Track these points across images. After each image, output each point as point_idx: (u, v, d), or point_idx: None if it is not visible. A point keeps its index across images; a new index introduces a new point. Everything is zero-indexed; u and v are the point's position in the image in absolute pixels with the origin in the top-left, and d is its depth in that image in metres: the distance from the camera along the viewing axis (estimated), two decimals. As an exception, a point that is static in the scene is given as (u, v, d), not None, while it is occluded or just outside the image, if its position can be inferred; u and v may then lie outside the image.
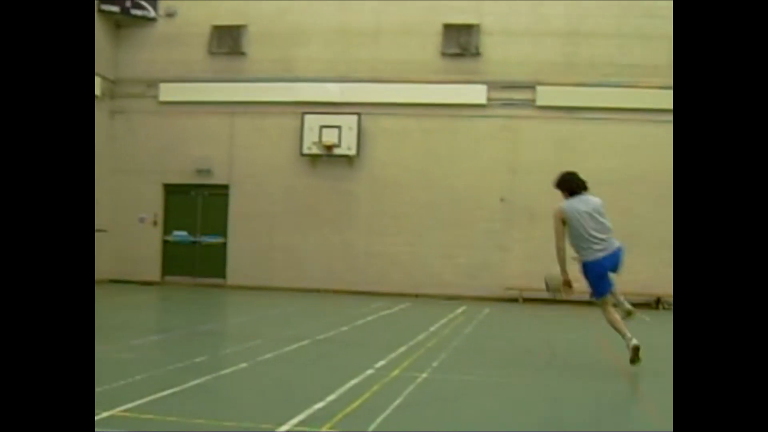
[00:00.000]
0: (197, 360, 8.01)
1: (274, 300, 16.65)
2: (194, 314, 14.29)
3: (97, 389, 6.09)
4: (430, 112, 19.12)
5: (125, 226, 20.15)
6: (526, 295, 17.99)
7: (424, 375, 7.49)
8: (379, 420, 5.48)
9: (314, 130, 19.19)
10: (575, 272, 8.71)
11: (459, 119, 19.05)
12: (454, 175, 19.01)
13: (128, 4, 20.00)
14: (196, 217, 20.28)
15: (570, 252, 8.73)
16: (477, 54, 18.96)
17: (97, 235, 19.77)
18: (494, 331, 12.81)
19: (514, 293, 18.03)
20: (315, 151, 19.25)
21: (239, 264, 19.84)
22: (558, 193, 9.10)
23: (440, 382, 7.31)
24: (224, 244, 20.03)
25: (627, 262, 8.72)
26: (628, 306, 8.80)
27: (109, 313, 13.58)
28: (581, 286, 8.80)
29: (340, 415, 5.57)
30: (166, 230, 20.42)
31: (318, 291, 18.98)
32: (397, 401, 6.15)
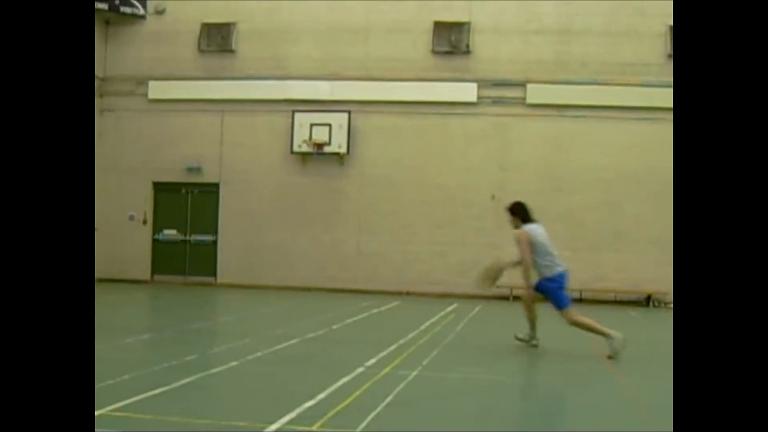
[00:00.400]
0: (187, 359, 7.98)
1: (265, 298, 16.62)
2: (184, 313, 14.24)
3: (85, 388, 6.07)
4: (421, 110, 19.11)
5: (115, 225, 20.06)
6: (517, 293, 18.00)
7: (415, 373, 7.48)
8: (369, 418, 5.46)
9: (305, 128, 19.15)
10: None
11: (450, 117, 19.04)
12: (445, 173, 19.00)
13: (117, 1, 19.92)
14: (186, 215, 20.22)
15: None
16: (467, 52, 18.96)
17: (86, 233, 19.74)
18: (485, 328, 12.81)
19: (504, 291, 18.02)
20: (305, 149, 19.21)
21: (229, 262, 19.79)
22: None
23: (431, 380, 7.30)
24: (214, 243, 19.98)
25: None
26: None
27: (99, 312, 13.49)
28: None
29: (330, 414, 5.55)
30: (156, 229, 20.35)
31: (308, 289, 18.96)
32: (388, 399, 6.13)
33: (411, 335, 10.54)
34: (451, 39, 19.04)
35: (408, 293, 18.44)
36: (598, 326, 9.22)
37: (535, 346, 9.74)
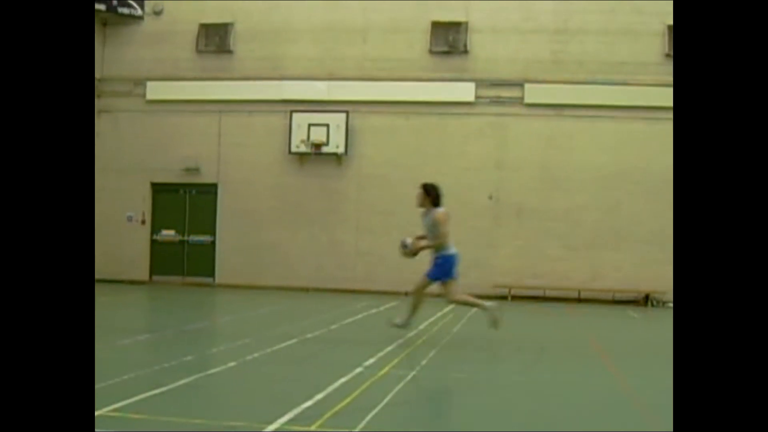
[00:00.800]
0: (186, 359, 7.98)
1: (263, 299, 16.62)
2: (182, 313, 14.25)
3: (84, 389, 6.07)
4: (419, 110, 19.12)
5: (113, 226, 20.04)
6: (515, 292, 18.02)
7: (413, 373, 7.49)
8: (368, 418, 5.46)
9: (302, 129, 19.16)
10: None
11: (447, 117, 19.06)
12: (443, 173, 18.94)
13: (115, 2, 19.91)
14: (185, 215, 20.22)
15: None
16: (465, 51, 18.97)
17: (84, 234, 19.74)
18: (483, 328, 12.79)
19: (502, 290, 18.03)
20: (303, 149, 19.21)
21: (228, 263, 19.79)
22: None
23: (429, 380, 7.31)
24: (213, 243, 19.98)
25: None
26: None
27: (98, 312, 13.47)
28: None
29: (328, 414, 5.55)
30: (154, 229, 20.35)
31: (307, 289, 18.96)
32: (386, 399, 6.14)
33: (409, 335, 10.55)
34: (448, 39, 19.04)
35: (406, 293, 18.43)
36: (473, 300, 10.51)
37: (403, 327, 10.43)
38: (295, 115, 19.23)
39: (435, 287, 10.67)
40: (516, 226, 18.52)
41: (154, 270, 20.33)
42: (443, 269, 10.47)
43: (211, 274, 19.97)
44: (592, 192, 18.37)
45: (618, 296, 18.18)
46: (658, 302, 17.62)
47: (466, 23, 19.00)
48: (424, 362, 8.23)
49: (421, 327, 11.63)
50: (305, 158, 19.45)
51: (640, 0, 18.09)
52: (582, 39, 18.53)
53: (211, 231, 20.03)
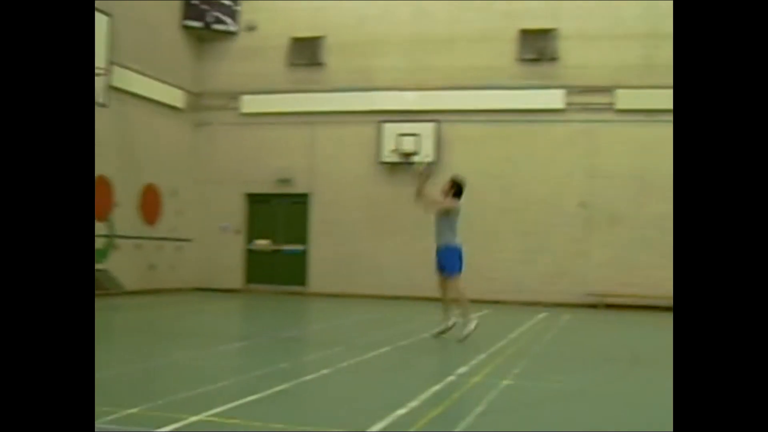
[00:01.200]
0: (281, 366, 8.17)
1: (355, 307, 16.80)
2: (276, 321, 14.53)
3: (185, 394, 6.31)
4: (508, 118, 19.06)
5: (209, 236, 20.64)
6: (608, 300, 17.75)
7: (506, 381, 7.48)
8: (461, 426, 5.50)
9: (392, 138, 19.35)
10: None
11: (537, 124, 18.94)
12: (533, 181, 18.89)
13: (210, 19, 20.53)
14: (278, 225, 20.64)
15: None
16: (554, 59, 18.84)
17: (182, 244, 20.35)
18: (576, 337, 12.68)
19: (595, 299, 17.80)
20: (393, 158, 19.38)
21: (320, 271, 20.09)
22: None
23: (522, 389, 7.29)
24: (305, 252, 20.34)
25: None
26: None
27: (195, 320, 13.95)
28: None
29: (422, 422, 5.61)
30: (249, 239, 20.83)
31: (398, 298, 19.08)
32: (480, 408, 6.16)
33: (501, 344, 10.53)
34: (537, 46, 18.95)
35: (496, 302, 18.37)
36: (467, 305, 10.72)
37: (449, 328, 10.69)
38: (385, 125, 19.43)
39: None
40: (608, 233, 18.25)
41: (248, 278, 20.82)
42: (455, 261, 10.85)
43: (304, 282, 20.32)
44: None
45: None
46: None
47: (555, 30, 18.87)
48: (516, 371, 8.22)
49: (512, 335, 11.60)
50: (395, 168, 19.61)
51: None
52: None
53: (304, 240, 20.39)
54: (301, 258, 20.43)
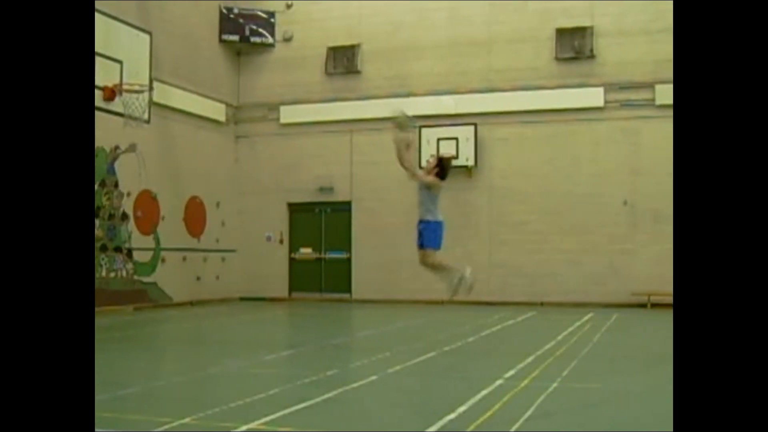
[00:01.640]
0: (328, 373, 8.21)
1: (399, 313, 16.82)
2: (323, 329, 14.61)
3: (235, 403, 6.39)
4: (547, 118, 18.97)
5: (253, 246, 20.84)
6: (655, 300, 17.55)
7: (555, 384, 7.45)
8: (512, 430, 5.50)
9: (431, 143, 19.34)
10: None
11: (576, 123, 18.82)
12: (575, 180, 18.77)
13: (247, 32, 20.76)
14: (321, 234, 20.76)
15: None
16: (592, 56, 18.71)
17: (227, 255, 20.57)
18: (624, 337, 12.56)
19: (641, 298, 17.61)
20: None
21: (364, 278, 20.16)
22: None
23: (572, 392, 7.26)
24: (348, 259, 20.42)
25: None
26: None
27: (242, 329, 14.08)
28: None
29: (472, 426, 5.62)
30: (292, 248, 20.98)
31: (442, 303, 19.05)
32: (530, 411, 6.15)
33: (548, 346, 10.48)
34: (574, 44, 18.84)
35: (542, 303, 18.28)
36: (450, 266, 10.94)
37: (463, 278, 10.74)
38: (423, 130, 19.44)
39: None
40: (653, 231, 18.05)
41: (293, 287, 20.96)
42: (431, 235, 10.95)
43: (348, 289, 20.40)
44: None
45: None
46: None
47: (592, 28, 18.74)
48: (565, 373, 8.18)
49: (560, 337, 11.53)
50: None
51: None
52: (715, 36, 17.92)
53: (347, 247, 20.47)
54: (344, 265, 20.52)
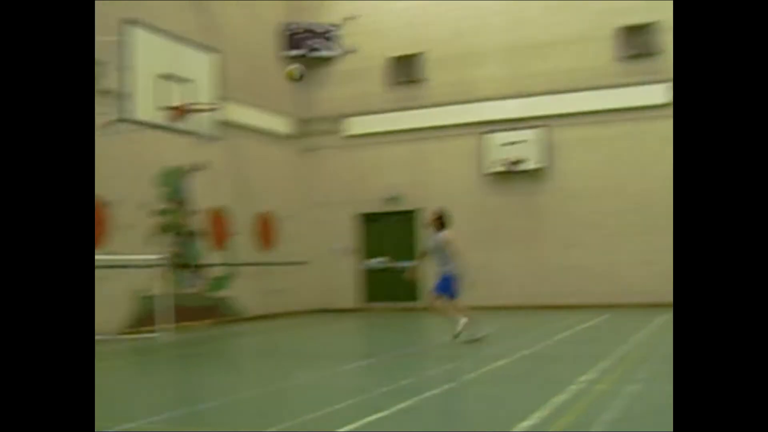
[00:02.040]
0: (403, 383, 8.23)
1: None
2: (396, 338, 14.64)
3: (313, 414, 6.45)
4: (613, 118, 18.72)
5: (324, 258, 21.03)
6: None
7: (633, 387, 7.34)
8: (590, 434, 5.44)
9: (498, 148, 19.28)
10: None
11: (643, 122, 18.52)
12: (644, 179, 18.46)
13: (310, 46, 21.00)
14: (390, 243, 20.82)
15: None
16: (656, 53, 18.40)
17: (298, 267, 20.78)
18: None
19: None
20: (500, 168, 19.31)
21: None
22: None
23: (650, 394, 7.14)
24: (418, 268, 20.39)
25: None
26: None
27: (315, 341, 14.21)
28: None
29: None
30: (362, 258, 21.10)
31: (513, 308, 18.94)
32: (608, 415, 6.07)
33: (624, 348, 10.32)
34: (638, 42, 18.57)
35: (617, 305, 17.99)
36: (455, 313, 11.70)
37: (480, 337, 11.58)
38: (489, 135, 19.40)
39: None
40: (729, 228, 17.61)
41: (364, 297, 21.06)
42: (452, 286, 11.79)
43: (419, 298, 20.38)
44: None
45: None
46: None
47: (656, 23, 18.43)
48: (642, 376, 8.05)
49: (636, 339, 11.34)
50: (503, 177, 19.54)
51: None
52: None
53: (416, 256, 20.47)
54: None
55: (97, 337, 13.92)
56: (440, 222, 11.97)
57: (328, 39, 21.24)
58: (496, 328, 14.84)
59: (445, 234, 11.84)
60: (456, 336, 11.47)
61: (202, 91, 13.60)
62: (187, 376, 10.23)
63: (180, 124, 13.24)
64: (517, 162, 19.11)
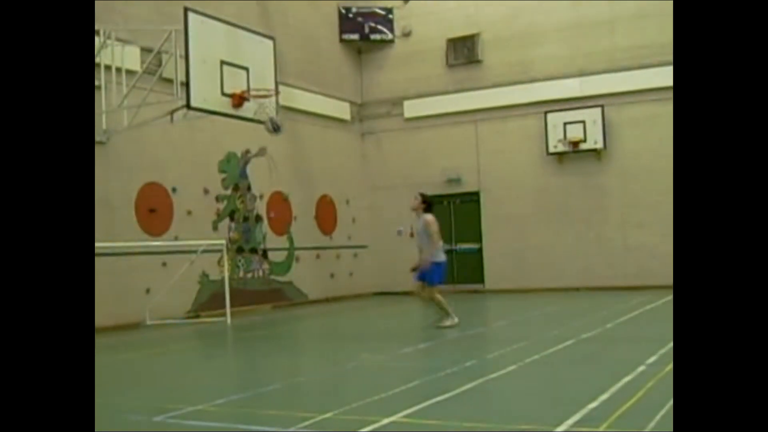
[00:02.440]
0: (467, 365, 8.22)
1: (533, 301, 16.66)
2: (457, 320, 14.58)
3: (376, 396, 6.48)
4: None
5: (384, 241, 21.06)
6: None
7: (700, 369, 7.19)
8: (657, 418, 5.35)
9: (558, 128, 19.06)
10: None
11: (710, 98, 18.07)
12: (711, 158, 18.05)
13: (367, 30, 20.98)
14: (451, 225, 20.76)
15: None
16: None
17: (359, 251, 20.88)
18: None
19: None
20: (561, 148, 19.10)
21: (496, 268, 20.06)
22: None
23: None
24: (479, 250, 20.35)
25: None
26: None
27: (377, 323, 14.29)
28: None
29: (615, 415, 5.51)
30: (422, 241, 21.06)
31: (576, 289, 18.75)
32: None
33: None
34: (703, 16, 18.10)
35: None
36: (445, 304, 12.18)
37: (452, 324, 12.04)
38: (549, 115, 19.17)
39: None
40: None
41: (425, 280, 21.03)
42: (437, 274, 12.16)
43: (480, 280, 20.33)
44: None
45: None
46: None
47: (722, -3, 17.95)
48: (710, 357, 7.88)
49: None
50: (564, 157, 19.31)
51: None
52: None
53: (477, 238, 20.41)
54: (476, 256, 20.47)
55: (163, 321, 14.24)
56: (426, 206, 12.31)
57: (384, 22, 21.20)
58: (557, 310, 14.72)
59: (426, 217, 12.12)
60: (439, 325, 12.09)
61: (262, 77, 13.69)
62: (251, 359, 10.38)
63: (241, 111, 13.36)
64: (577, 142, 18.85)
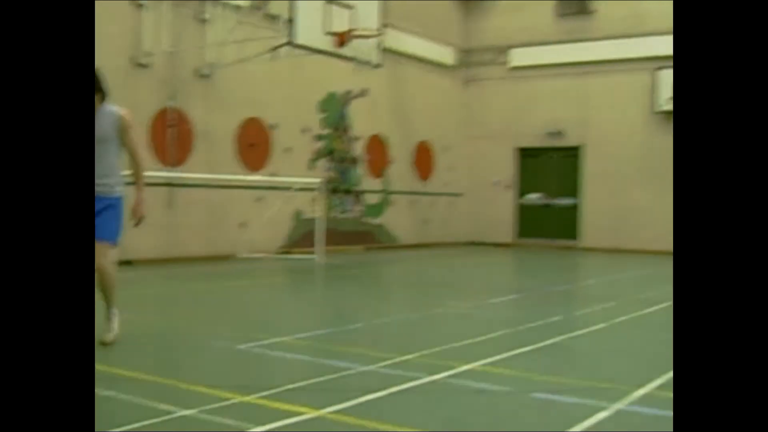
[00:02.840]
0: (552, 320, 8.12)
1: (628, 262, 16.30)
2: (548, 275, 14.44)
3: (458, 343, 6.46)
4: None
5: (481, 190, 20.93)
6: None
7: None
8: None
9: (669, 86, 18.33)
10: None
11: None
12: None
13: (477, -27, 20.56)
14: (549, 179, 20.44)
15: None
16: None
17: (454, 199, 20.79)
18: None
19: None
20: (670, 107, 18.40)
21: (592, 226, 19.68)
22: None
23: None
24: (576, 206, 19.99)
25: None
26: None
27: (467, 272, 14.23)
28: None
29: (702, 381, 5.33)
30: (520, 193, 20.84)
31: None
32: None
33: None
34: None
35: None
36: (113, 291, 6.18)
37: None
38: (660, 72, 18.46)
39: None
40: None
41: (519, 232, 20.86)
42: (118, 220, 6.12)
43: (575, 236, 20.00)
44: None
45: None
46: None
47: None
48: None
49: None
50: (671, 117, 18.63)
51: None
52: None
53: (575, 194, 20.04)
54: (572, 212, 20.10)
55: (256, 255, 14.54)
56: (100, 92, 5.80)
57: (496, -33, 20.71)
58: (652, 273, 14.36)
59: (123, 112, 6.08)
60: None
61: (366, 18, 13.60)
62: (337, 297, 10.50)
63: (343, 50, 13.32)
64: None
